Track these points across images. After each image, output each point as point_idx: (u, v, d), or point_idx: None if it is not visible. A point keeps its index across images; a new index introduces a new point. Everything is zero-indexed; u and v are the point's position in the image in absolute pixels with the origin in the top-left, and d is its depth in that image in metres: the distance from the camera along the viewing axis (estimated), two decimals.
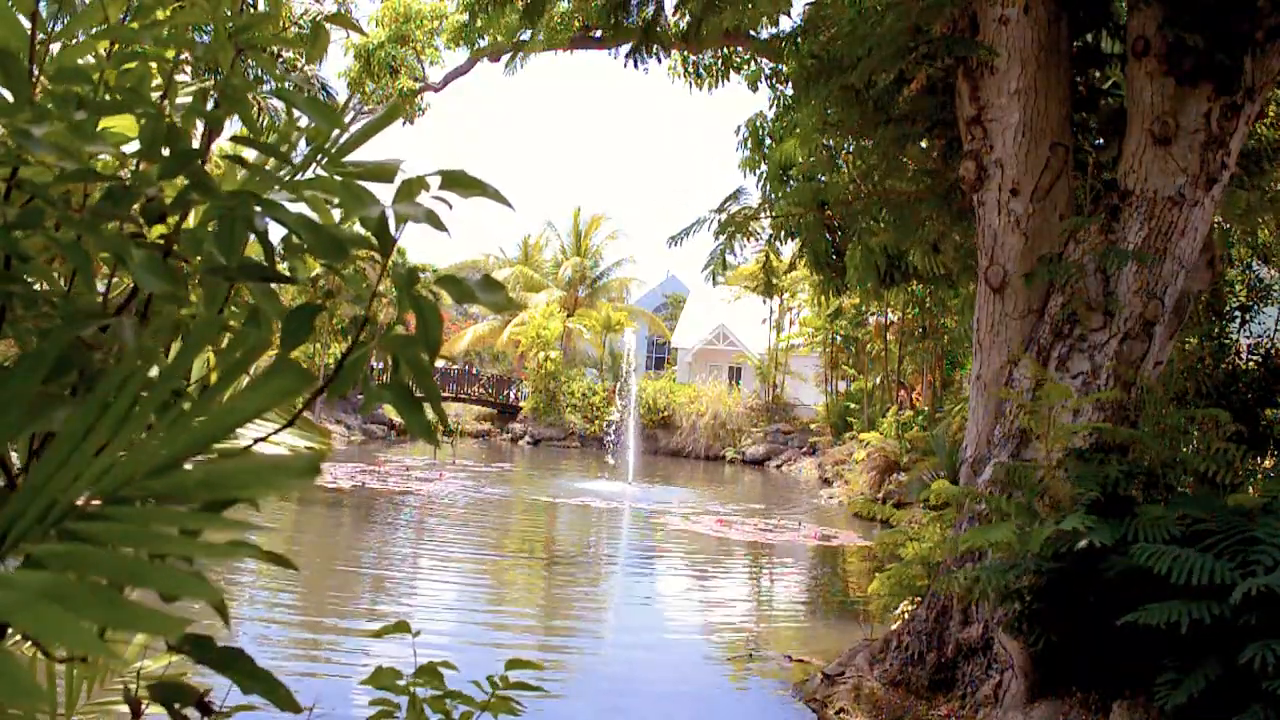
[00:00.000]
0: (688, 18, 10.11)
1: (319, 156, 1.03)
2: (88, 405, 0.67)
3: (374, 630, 1.89)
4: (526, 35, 11.95)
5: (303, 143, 1.11)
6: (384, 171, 0.94)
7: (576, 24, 11.79)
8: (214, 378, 1.18)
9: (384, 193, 0.97)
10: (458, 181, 0.93)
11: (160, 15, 1.13)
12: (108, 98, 1.08)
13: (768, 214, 9.00)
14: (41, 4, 1.09)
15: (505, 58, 13.16)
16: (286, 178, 1.00)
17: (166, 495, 0.65)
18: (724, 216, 9.25)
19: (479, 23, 12.60)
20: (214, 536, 0.64)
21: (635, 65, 10.06)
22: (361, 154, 1.15)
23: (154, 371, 0.80)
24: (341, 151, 1.02)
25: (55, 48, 1.17)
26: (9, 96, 0.95)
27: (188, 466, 0.67)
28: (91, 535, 0.62)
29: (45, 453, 0.65)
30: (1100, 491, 5.29)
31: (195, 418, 0.69)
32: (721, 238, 9.21)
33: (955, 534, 6.30)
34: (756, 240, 9.51)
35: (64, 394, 0.88)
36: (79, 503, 0.64)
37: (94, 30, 1.15)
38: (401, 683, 1.60)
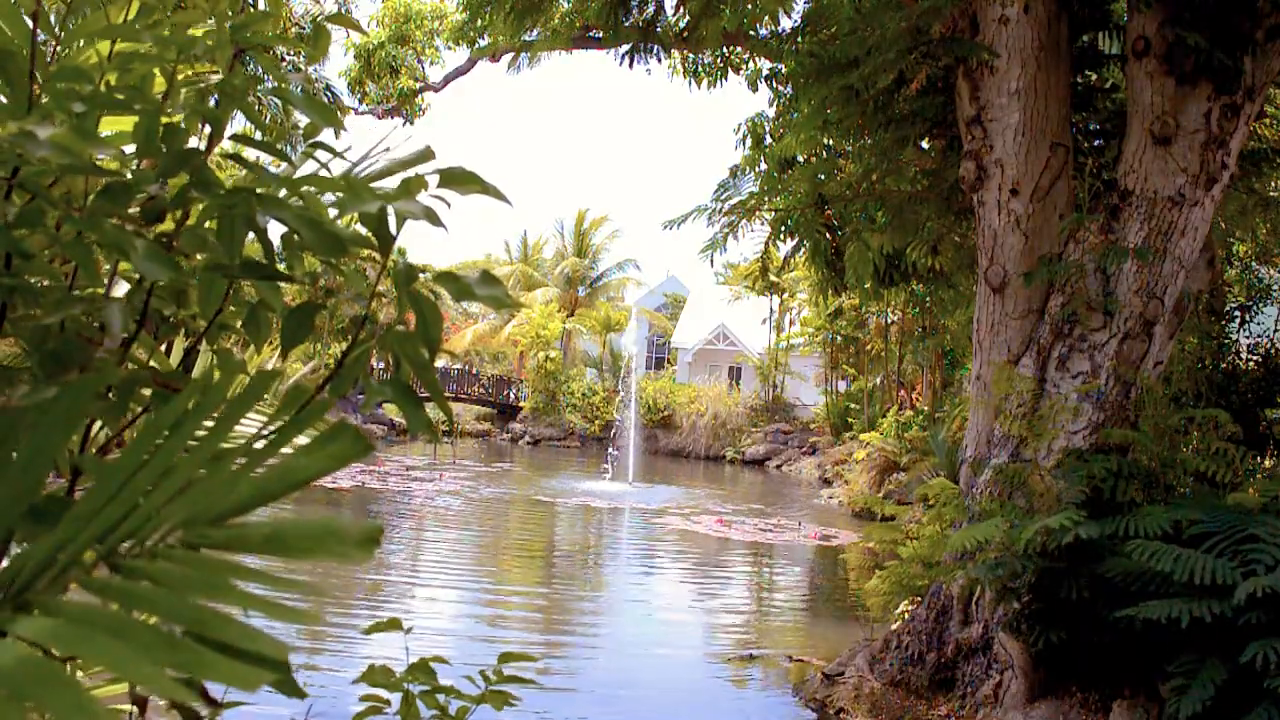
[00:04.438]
0: (687, 18, 10.12)
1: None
2: (145, 434, 0.66)
3: (366, 627, 1.89)
4: (528, 37, 11.95)
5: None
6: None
7: (576, 24, 11.78)
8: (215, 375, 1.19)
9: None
10: (455, 178, 0.93)
11: (161, 15, 1.13)
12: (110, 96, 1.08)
13: (768, 204, 8.97)
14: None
15: (508, 59, 13.16)
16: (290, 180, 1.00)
17: (227, 546, 0.65)
18: (724, 205, 9.24)
19: (479, 22, 12.60)
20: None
21: (632, 65, 10.06)
22: (360, 155, 1.15)
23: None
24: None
25: (58, 48, 1.17)
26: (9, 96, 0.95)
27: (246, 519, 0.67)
28: (152, 574, 0.62)
29: (97, 480, 0.65)
30: (1088, 489, 5.30)
31: (252, 468, 0.69)
32: (719, 222, 9.18)
33: (954, 533, 6.30)
34: (759, 226, 9.45)
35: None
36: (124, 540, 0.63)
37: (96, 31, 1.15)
38: (394, 679, 1.60)
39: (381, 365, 20.94)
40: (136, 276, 1.02)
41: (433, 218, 0.89)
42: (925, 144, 8.23)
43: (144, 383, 0.94)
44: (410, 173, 0.94)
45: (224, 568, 0.63)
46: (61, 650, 0.53)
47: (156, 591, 0.59)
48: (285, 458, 0.68)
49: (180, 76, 1.14)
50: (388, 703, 1.60)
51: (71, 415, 0.64)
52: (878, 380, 26.32)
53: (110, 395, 0.99)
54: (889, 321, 24.19)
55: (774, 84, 11.19)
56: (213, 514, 0.66)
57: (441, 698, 1.60)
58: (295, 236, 0.93)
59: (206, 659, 0.53)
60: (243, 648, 0.57)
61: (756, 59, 12.48)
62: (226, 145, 1.17)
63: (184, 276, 0.91)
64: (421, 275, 0.96)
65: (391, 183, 0.99)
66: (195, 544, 0.65)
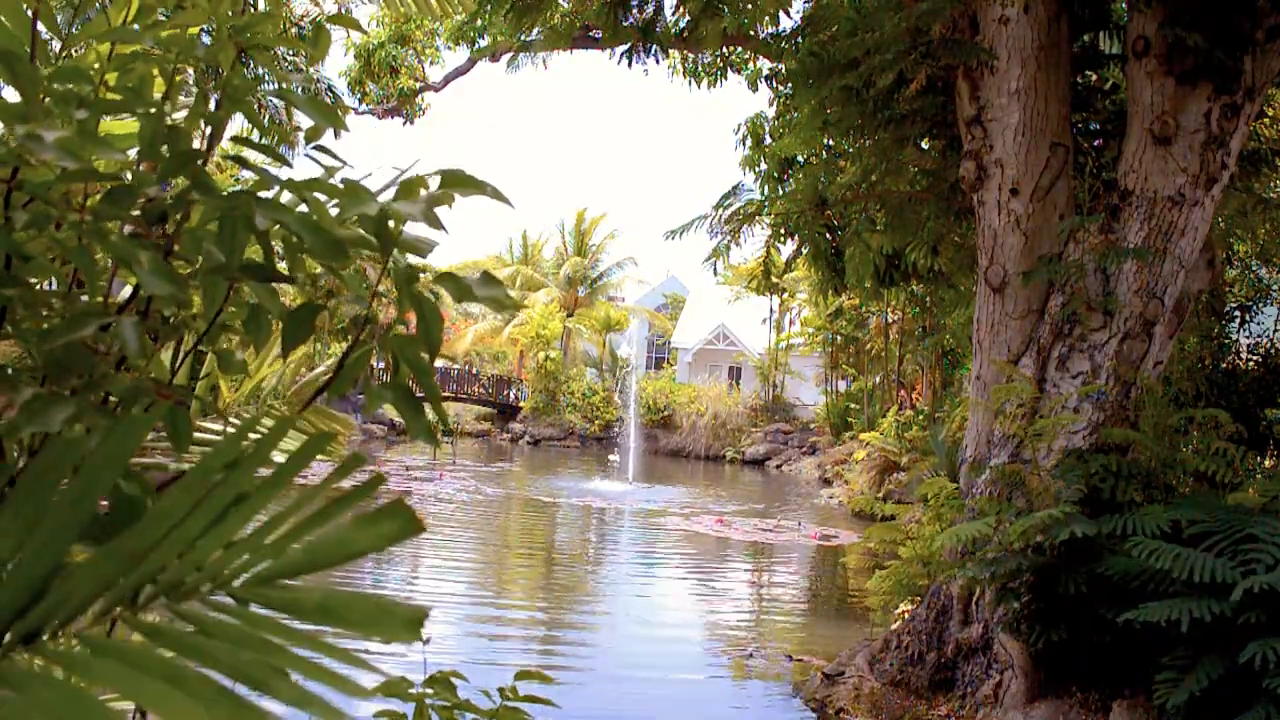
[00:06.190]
0: (686, 18, 10.11)
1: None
2: (193, 482, 0.67)
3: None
4: (528, 36, 11.94)
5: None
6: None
7: (576, 24, 11.77)
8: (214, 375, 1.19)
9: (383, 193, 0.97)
10: (457, 181, 0.93)
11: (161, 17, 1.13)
12: (110, 98, 1.08)
13: (768, 210, 8.98)
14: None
15: (507, 57, 13.16)
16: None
17: (283, 608, 0.65)
18: (725, 214, 9.25)
19: (479, 21, 12.60)
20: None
21: (631, 64, 10.05)
22: (359, 157, 1.15)
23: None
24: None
25: (58, 47, 1.17)
26: (11, 97, 0.95)
27: (299, 582, 0.68)
28: (206, 625, 0.62)
29: (143, 521, 0.65)
30: (1086, 489, 5.30)
31: (304, 533, 0.69)
32: (721, 232, 9.19)
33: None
34: (760, 229, 9.45)
35: (64, 394, 0.88)
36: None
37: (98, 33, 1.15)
38: (412, 691, 1.59)
39: (381, 365, 20.91)
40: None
41: (433, 220, 0.89)
42: (925, 144, 8.23)
43: (147, 393, 0.94)
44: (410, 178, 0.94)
45: (278, 628, 0.64)
46: (115, 690, 0.54)
47: (213, 644, 0.59)
48: (339, 529, 0.68)
49: (178, 78, 1.14)
50: (403, 717, 1.59)
51: (125, 450, 0.64)
52: (878, 380, 26.31)
53: (108, 401, 0.99)
54: (889, 321, 24.18)
55: (774, 84, 11.18)
56: (267, 573, 0.66)
57: (455, 712, 1.59)
58: (295, 239, 0.93)
59: (251, 715, 0.54)
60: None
61: (756, 59, 12.47)
62: (227, 147, 1.17)
63: (186, 290, 0.92)
64: (421, 275, 0.96)
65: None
66: (245, 599, 0.65)
